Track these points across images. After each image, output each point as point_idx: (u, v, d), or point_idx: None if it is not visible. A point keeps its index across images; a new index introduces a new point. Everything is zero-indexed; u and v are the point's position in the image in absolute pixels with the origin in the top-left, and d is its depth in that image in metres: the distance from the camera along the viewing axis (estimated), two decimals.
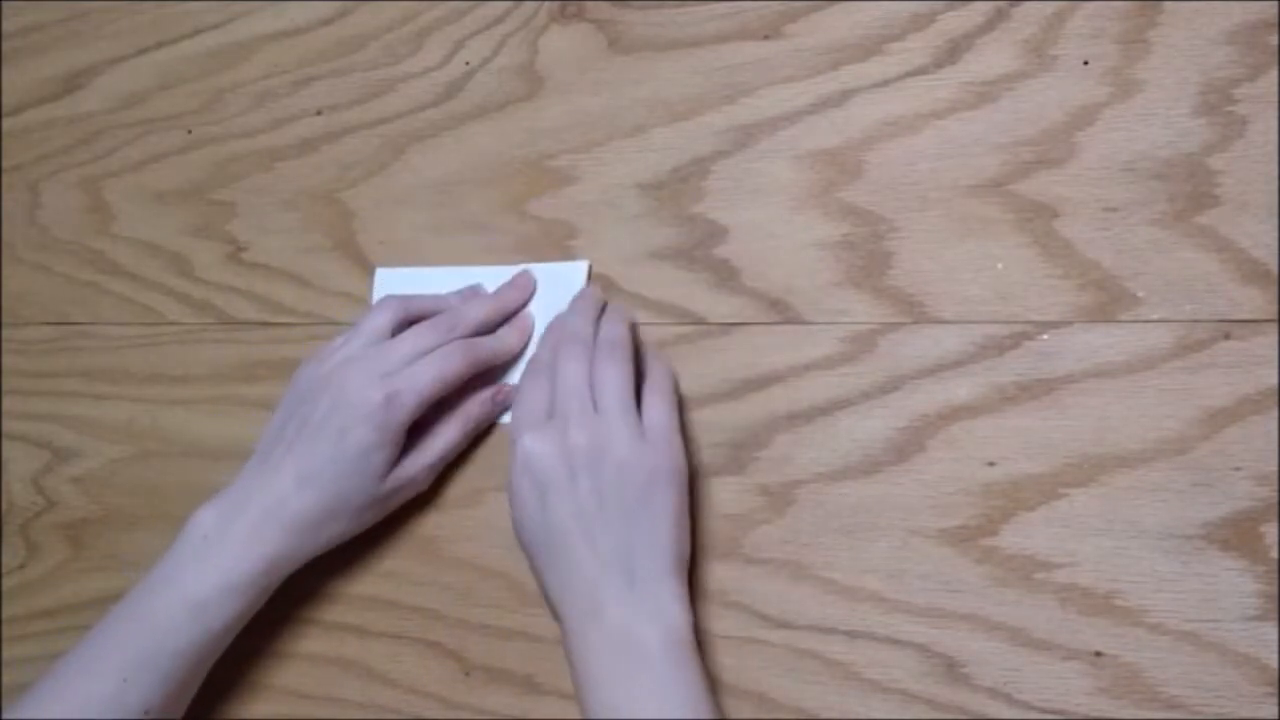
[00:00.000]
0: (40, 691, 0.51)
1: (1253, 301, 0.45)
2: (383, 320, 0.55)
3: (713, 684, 0.47)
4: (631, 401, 0.50)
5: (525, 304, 0.56)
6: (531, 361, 0.54)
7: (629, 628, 0.45)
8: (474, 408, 0.55)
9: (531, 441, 0.49)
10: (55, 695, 0.51)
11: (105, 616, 0.53)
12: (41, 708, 0.50)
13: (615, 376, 0.50)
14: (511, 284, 0.57)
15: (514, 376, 0.56)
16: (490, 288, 0.57)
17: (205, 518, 0.53)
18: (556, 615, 0.49)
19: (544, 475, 0.48)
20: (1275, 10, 0.46)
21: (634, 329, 0.53)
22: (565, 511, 0.47)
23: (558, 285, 0.56)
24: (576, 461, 0.48)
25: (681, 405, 0.52)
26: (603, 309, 0.54)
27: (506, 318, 0.56)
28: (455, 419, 0.55)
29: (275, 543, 0.52)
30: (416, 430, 0.54)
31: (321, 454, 0.52)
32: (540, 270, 0.56)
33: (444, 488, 0.57)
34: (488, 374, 0.55)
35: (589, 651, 0.46)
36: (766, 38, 0.53)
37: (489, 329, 0.56)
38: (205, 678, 0.54)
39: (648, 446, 0.48)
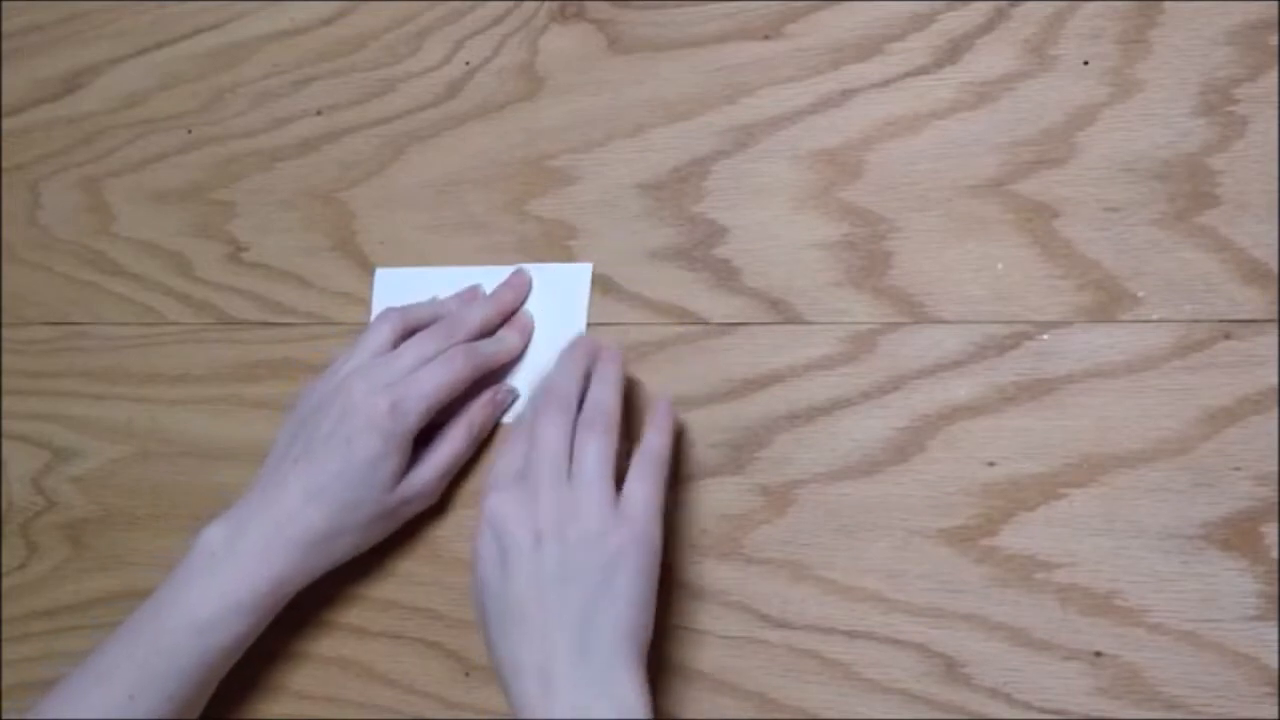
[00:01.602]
0: (46, 706, 0.51)
1: (1253, 301, 0.45)
2: (383, 333, 0.55)
3: None
4: (609, 473, 0.47)
5: (522, 303, 0.56)
6: (516, 421, 0.53)
7: (582, 708, 0.43)
8: (477, 413, 0.55)
9: (498, 502, 0.47)
10: (62, 711, 0.51)
11: (113, 632, 0.53)
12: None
13: (595, 447, 0.47)
14: (507, 284, 0.56)
15: (516, 378, 0.56)
16: (490, 288, 0.57)
17: (213, 536, 0.52)
18: (505, 688, 0.46)
19: (507, 538, 0.46)
20: (1275, 10, 0.46)
21: (628, 387, 0.52)
22: (525, 579, 0.45)
23: (560, 288, 0.56)
24: (542, 528, 0.46)
25: (675, 478, 0.51)
26: (596, 356, 0.52)
27: (505, 318, 0.56)
28: (460, 427, 0.55)
29: (283, 562, 0.52)
30: (422, 444, 0.54)
31: (328, 468, 0.52)
32: (542, 272, 0.56)
33: (445, 488, 0.57)
34: (488, 377, 0.55)
35: None
36: (766, 38, 0.53)
37: (489, 331, 0.56)
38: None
39: (620, 521, 0.46)
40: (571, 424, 0.48)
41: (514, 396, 0.56)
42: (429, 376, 0.52)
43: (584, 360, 0.51)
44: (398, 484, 0.53)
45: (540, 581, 0.45)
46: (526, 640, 0.45)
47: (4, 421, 0.70)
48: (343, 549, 0.54)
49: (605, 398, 0.49)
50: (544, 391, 0.50)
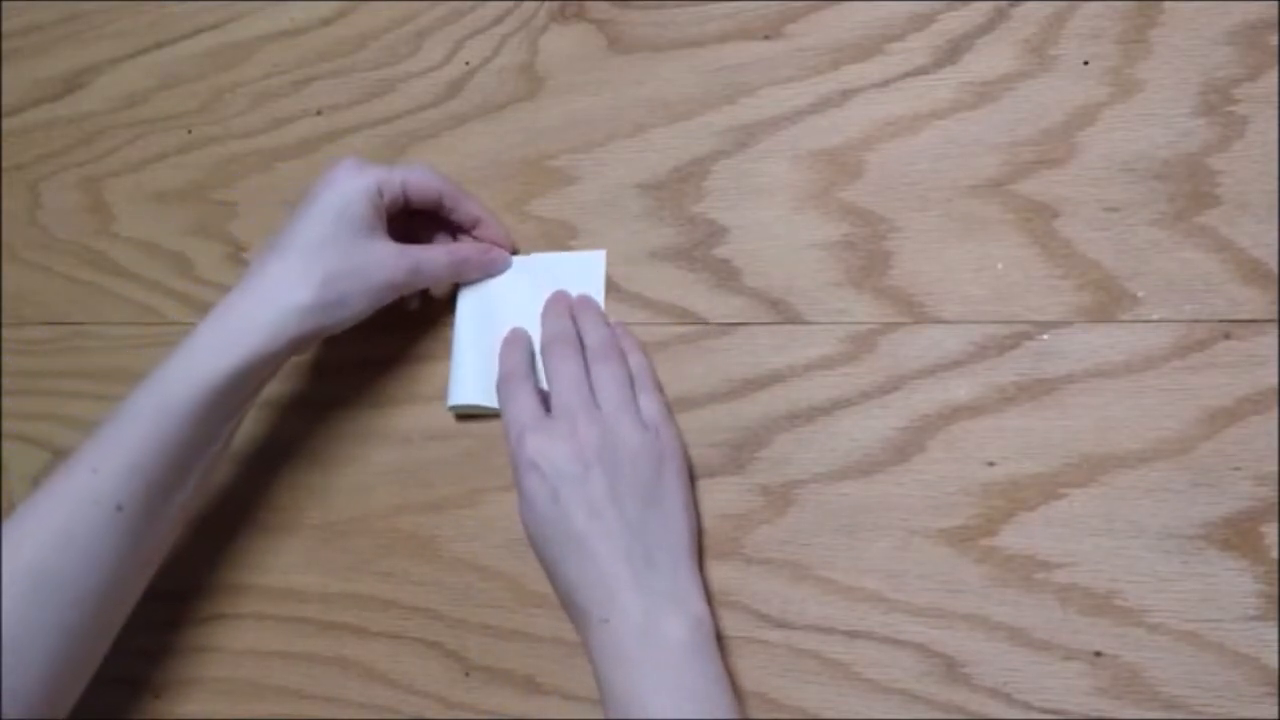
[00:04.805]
0: (30, 501, 0.50)
1: (1253, 301, 0.45)
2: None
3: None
4: (632, 395, 0.51)
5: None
6: (502, 377, 0.54)
7: (650, 619, 0.46)
8: (464, 245, 0.56)
9: (539, 442, 0.49)
10: (36, 501, 0.49)
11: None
12: (27, 510, 0.49)
13: (612, 374, 0.51)
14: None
15: (461, 361, 0.56)
16: (499, 280, 0.57)
17: (202, 322, 0.52)
18: (572, 613, 0.49)
19: (556, 473, 0.48)
20: (1275, 10, 0.46)
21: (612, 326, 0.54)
22: (579, 507, 0.47)
23: (575, 276, 0.56)
24: (588, 456, 0.48)
25: (664, 396, 0.53)
26: (574, 304, 0.55)
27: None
28: (441, 247, 0.56)
29: (250, 342, 0.50)
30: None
31: (302, 225, 0.52)
32: (557, 261, 0.56)
33: (444, 488, 0.57)
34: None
35: (610, 646, 0.46)
36: (766, 38, 0.53)
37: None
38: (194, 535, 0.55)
39: (652, 435, 0.49)
40: (582, 359, 0.52)
41: (504, 260, 0.57)
42: (394, 167, 0.54)
43: (566, 308, 0.55)
44: (368, 243, 0.52)
45: (595, 506, 0.47)
46: (591, 564, 0.47)
47: (4, 421, 0.70)
48: (321, 312, 0.51)
49: (603, 332, 0.53)
50: (547, 340, 0.53)
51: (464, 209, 0.56)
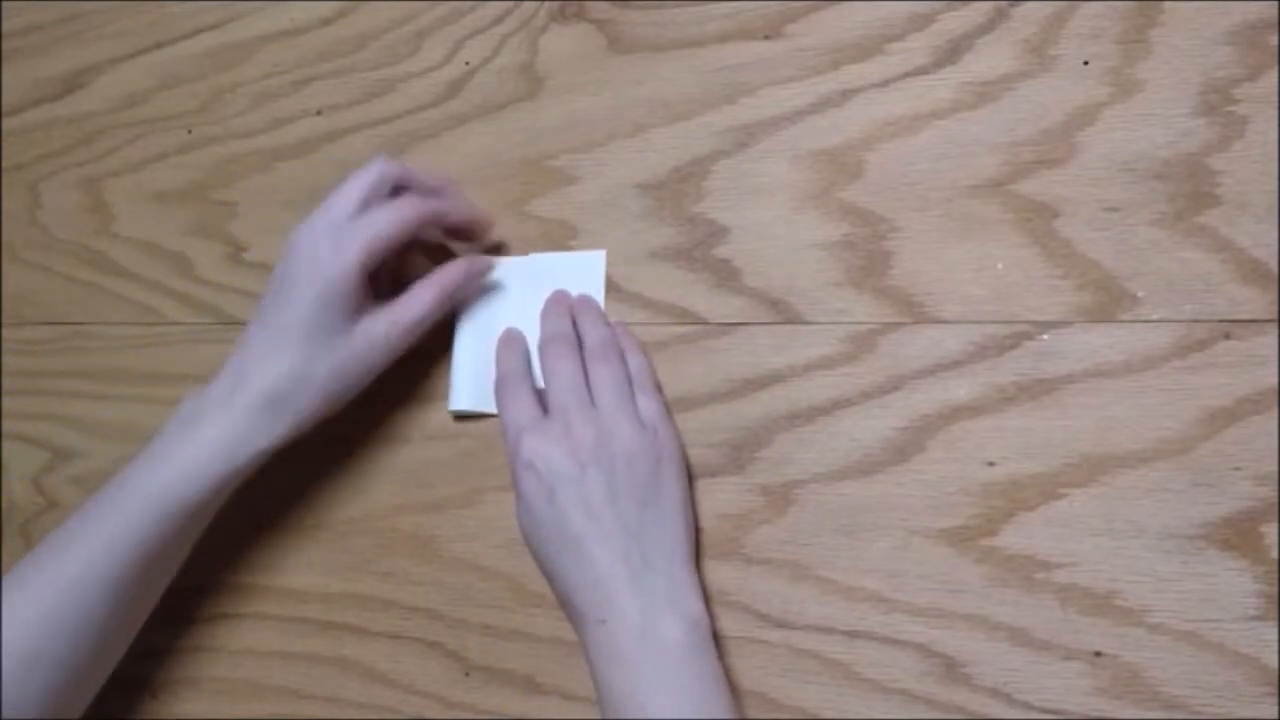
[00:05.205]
0: (15, 573, 0.50)
1: (1253, 301, 0.45)
2: (348, 190, 0.53)
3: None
4: (630, 394, 0.51)
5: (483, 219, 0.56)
6: (499, 378, 0.54)
7: (647, 620, 0.45)
8: (449, 272, 0.54)
9: (535, 442, 0.49)
10: (23, 579, 0.50)
11: (78, 507, 0.53)
12: (13, 588, 0.50)
13: (610, 373, 0.51)
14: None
15: (461, 362, 0.56)
16: (501, 279, 0.57)
17: (184, 405, 0.53)
18: (570, 614, 0.49)
19: (552, 473, 0.48)
20: (1275, 10, 0.46)
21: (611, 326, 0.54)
22: (575, 507, 0.47)
23: (575, 276, 0.55)
24: (584, 456, 0.48)
25: (663, 397, 0.53)
26: (573, 303, 0.55)
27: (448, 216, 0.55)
28: (429, 285, 0.54)
29: (242, 421, 0.51)
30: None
31: (279, 319, 0.51)
32: (557, 261, 0.56)
33: (444, 488, 0.57)
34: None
35: (608, 646, 0.46)
36: (766, 38, 0.53)
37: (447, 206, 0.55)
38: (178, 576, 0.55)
39: (650, 435, 0.49)
40: (580, 359, 0.51)
41: (489, 266, 0.56)
42: (372, 218, 0.51)
43: (566, 308, 0.54)
44: (350, 332, 0.52)
45: (591, 506, 0.47)
46: (589, 564, 0.47)
47: (4, 421, 0.70)
48: (310, 404, 0.52)
49: (602, 332, 0.53)
50: (545, 340, 0.53)
51: (430, 231, 0.55)
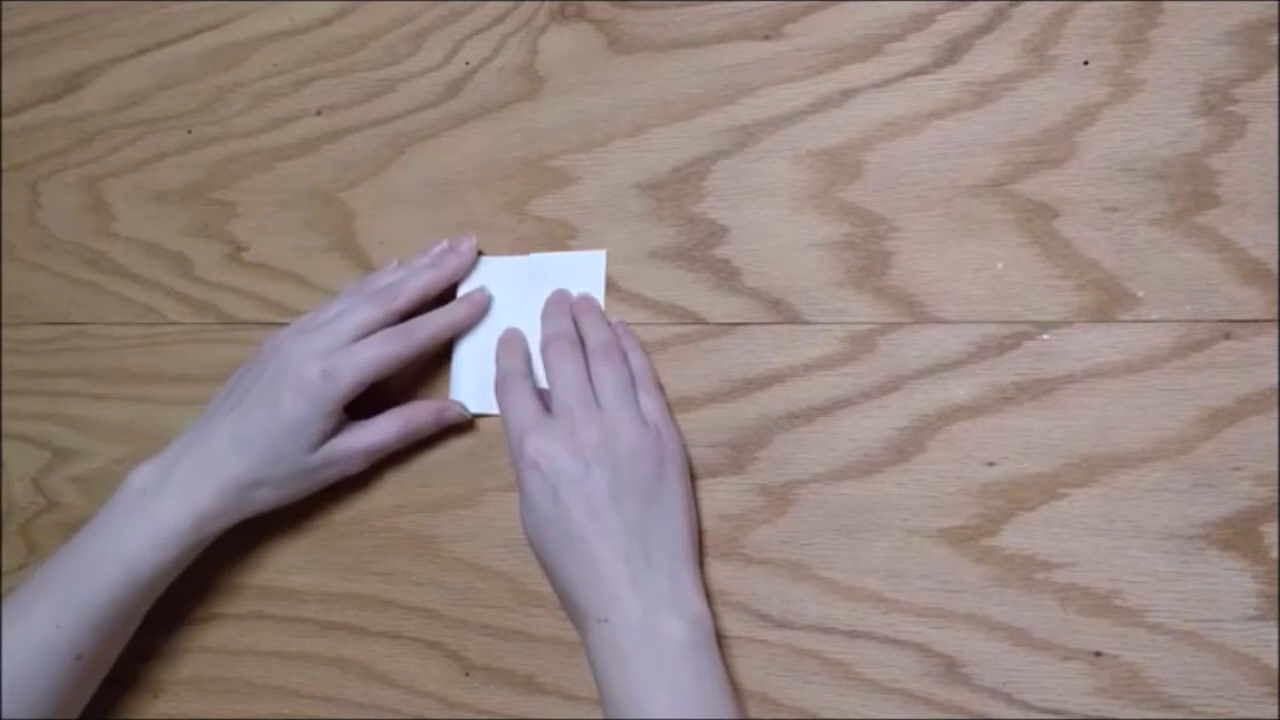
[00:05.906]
0: None
1: (1253, 301, 0.45)
2: (342, 302, 0.56)
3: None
4: (632, 394, 0.51)
5: (467, 270, 0.57)
6: (500, 378, 0.54)
7: (649, 620, 0.45)
8: (419, 413, 0.56)
9: (539, 441, 0.49)
10: None
11: (44, 563, 0.54)
12: None
13: (613, 374, 0.51)
14: (452, 250, 0.57)
15: (461, 363, 0.56)
16: (499, 280, 0.57)
17: (142, 473, 0.54)
18: (572, 613, 0.49)
19: (556, 472, 0.48)
20: (1275, 10, 0.46)
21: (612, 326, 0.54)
22: (578, 506, 0.47)
23: (575, 276, 0.55)
24: (588, 456, 0.48)
25: (664, 396, 0.53)
26: (574, 303, 0.55)
27: (448, 283, 0.57)
28: (397, 416, 0.56)
29: (207, 500, 0.53)
30: (363, 415, 0.55)
31: (257, 421, 0.53)
32: (556, 261, 0.56)
33: (444, 488, 0.57)
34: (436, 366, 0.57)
35: (609, 646, 0.46)
36: (766, 38, 0.53)
37: (431, 299, 0.56)
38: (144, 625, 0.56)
39: (653, 434, 0.49)
40: (583, 359, 0.52)
41: (462, 417, 0.56)
42: (364, 350, 0.53)
43: (567, 307, 0.55)
44: (320, 447, 0.54)
45: (594, 505, 0.47)
46: (591, 564, 0.47)
47: (4, 421, 0.70)
48: (262, 499, 0.55)
49: (603, 332, 0.53)
50: (547, 339, 0.53)
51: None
